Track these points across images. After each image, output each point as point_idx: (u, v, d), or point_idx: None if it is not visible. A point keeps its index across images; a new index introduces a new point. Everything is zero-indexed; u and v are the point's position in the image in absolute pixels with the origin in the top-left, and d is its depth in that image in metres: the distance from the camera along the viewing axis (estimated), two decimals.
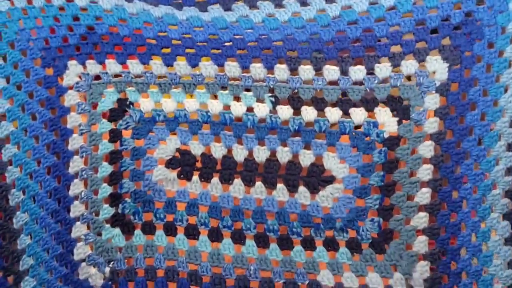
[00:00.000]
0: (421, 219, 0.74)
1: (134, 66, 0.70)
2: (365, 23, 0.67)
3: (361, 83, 0.69)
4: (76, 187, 0.79)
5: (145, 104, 0.73)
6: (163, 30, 0.69)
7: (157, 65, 0.69)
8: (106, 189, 0.80)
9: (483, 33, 0.65)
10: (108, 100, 0.73)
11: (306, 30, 0.67)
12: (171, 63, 0.69)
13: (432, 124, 0.71)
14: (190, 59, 0.68)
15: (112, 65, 0.71)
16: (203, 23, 0.69)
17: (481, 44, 0.66)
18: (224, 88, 0.70)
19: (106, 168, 0.80)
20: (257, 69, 0.68)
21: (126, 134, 0.78)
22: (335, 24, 0.67)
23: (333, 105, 0.70)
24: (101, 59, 0.70)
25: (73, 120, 0.75)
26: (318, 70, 0.69)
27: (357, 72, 0.68)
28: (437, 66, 0.67)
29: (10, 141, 0.73)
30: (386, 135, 0.72)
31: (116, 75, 0.72)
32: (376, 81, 0.68)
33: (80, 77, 0.72)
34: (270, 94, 0.70)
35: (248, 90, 0.70)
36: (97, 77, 0.73)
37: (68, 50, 0.70)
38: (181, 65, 0.69)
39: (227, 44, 0.68)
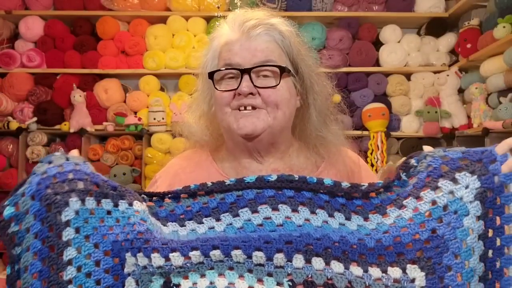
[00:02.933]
0: None
1: (176, 258, 0.77)
2: (359, 235, 0.79)
3: (362, 278, 0.77)
4: None
5: (185, 284, 0.79)
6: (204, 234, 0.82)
7: (196, 256, 0.76)
8: None
9: (448, 247, 0.76)
10: (156, 284, 0.79)
11: (317, 231, 0.79)
12: (208, 253, 0.77)
13: None
14: (224, 249, 0.77)
15: (157, 259, 0.77)
16: (236, 231, 0.81)
17: (448, 255, 0.76)
18: (250, 271, 0.78)
19: None
20: (279, 259, 0.77)
21: None
22: (339, 231, 0.80)
23: None
24: (148, 254, 0.77)
25: None
26: (327, 264, 0.77)
27: (356, 270, 0.77)
28: (416, 274, 0.76)
29: None
30: None
31: (160, 266, 0.79)
32: (372, 279, 0.76)
33: (134, 266, 0.78)
34: (288, 279, 0.77)
35: (270, 274, 0.77)
36: (145, 267, 0.79)
37: (127, 244, 0.77)
38: (216, 255, 0.77)
39: (255, 238, 0.78)
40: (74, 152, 0.83)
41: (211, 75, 0.96)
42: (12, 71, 3.12)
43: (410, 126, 3.11)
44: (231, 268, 0.77)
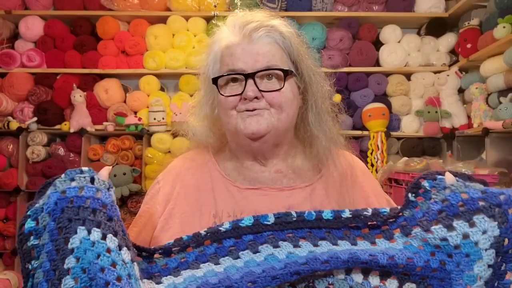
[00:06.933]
0: None
1: None
2: (370, 252, 0.76)
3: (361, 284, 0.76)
4: None
5: None
6: (206, 283, 0.76)
7: None
8: None
9: (452, 285, 0.73)
10: None
11: (324, 254, 0.76)
12: None
13: None
14: None
15: None
16: (238, 269, 0.78)
17: None
18: None
19: None
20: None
21: None
22: (348, 251, 0.76)
23: None
24: None
25: None
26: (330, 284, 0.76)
27: (357, 276, 0.76)
28: None
29: None
30: None
31: None
32: (371, 286, 0.75)
33: None
34: None
35: None
36: None
37: None
38: None
39: (260, 274, 0.75)
40: (104, 172, 0.78)
41: (215, 80, 0.96)
42: (12, 71, 3.12)
43: (410, 126, 3.11)
44: None
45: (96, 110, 3.12)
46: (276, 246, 0.80)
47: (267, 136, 0.94)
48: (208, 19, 3.19)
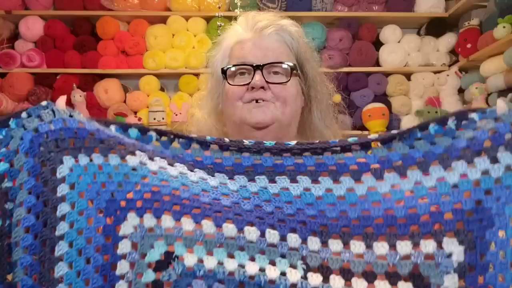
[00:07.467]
0: None
1: (187, 224, 0.74)
2: (386, 205, 0.72)
3: (384, 258, 0.71)
4: None
5: (189, 259, 0.75)
6: (218, 199, 0.77)
7: (207, 225, 0.74)
8: None
9: (493, 221, 0.68)
10: (157, 252, 0.76)
11: (336, 208, 0.73)
12: (220, 225, 0.74)
13: None
14: (237, 223, 0.74)
15: (168, 221, 0.75)
16: (250, 195, 0.76)
17: (492, 231, 0.68)
18: (262, 252, 0.73)
19: None
20: (293, 238, 0.73)
21: (167, 285, 0.76)
22: (361, 204, 0.73)
23: (359, 276, 0.71)
24: (159, 215, 0.75)
25: (123, 267, 0.76)
26: (346, 244, 0.72)
27: (380, 247, 0.71)
28: (453, 248, 0.69)
29: (64, 281, 0.74)
30: None
31: (168, 229, 0.76)
32: (398, 257, 0.70)
33: (136, 228, 0.76)
34: (302, 262, 0.72)
35: (283, 255, 0.73)
36: (150, 229, 0.76)
37: (130, 204, 0.75)
38: (229, 227, 0.73)
39: (269, 214, 0.74)
40: (61, 101, 0.77)
41: (224, 71, 1.00)
42: (12, 71, 3.11)
43: (410, 126, 3.11)
44: (241, 249, 0.72)
45: (96, 110, 3.12)
46: (293, 180, 0.76)
47: (270, 127, 0.97)
48: (208, 19, 3.19)
